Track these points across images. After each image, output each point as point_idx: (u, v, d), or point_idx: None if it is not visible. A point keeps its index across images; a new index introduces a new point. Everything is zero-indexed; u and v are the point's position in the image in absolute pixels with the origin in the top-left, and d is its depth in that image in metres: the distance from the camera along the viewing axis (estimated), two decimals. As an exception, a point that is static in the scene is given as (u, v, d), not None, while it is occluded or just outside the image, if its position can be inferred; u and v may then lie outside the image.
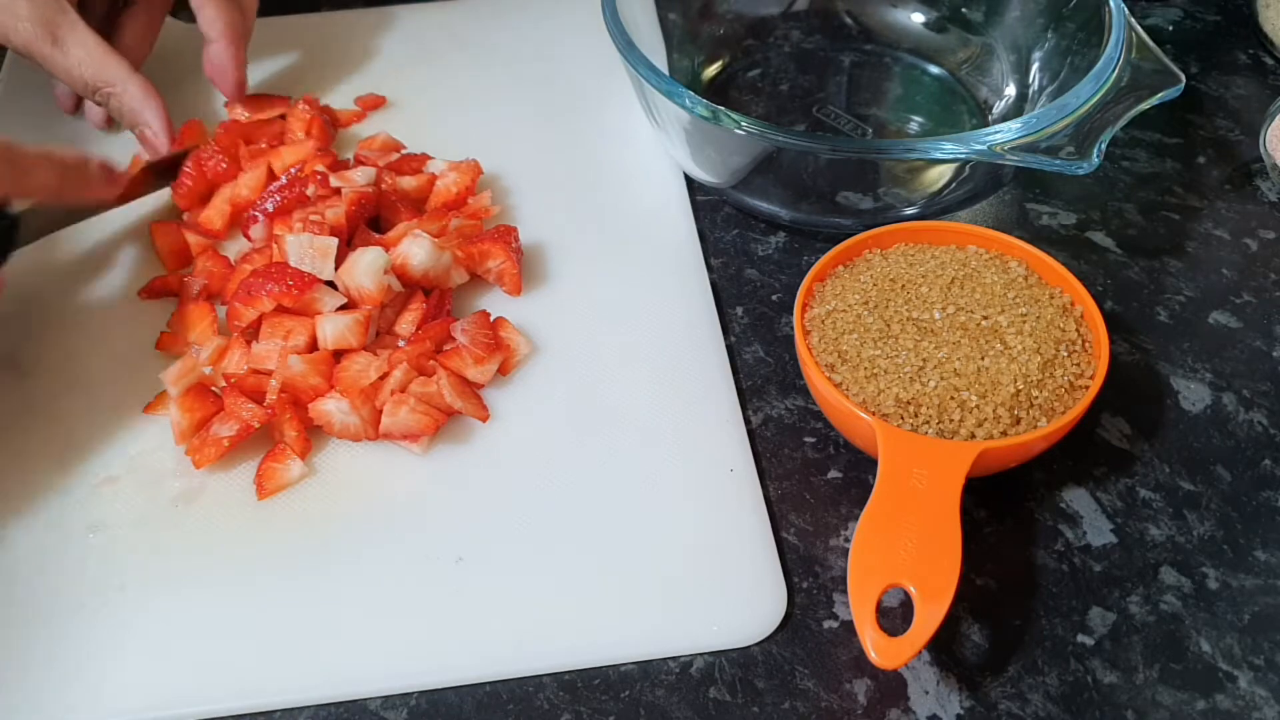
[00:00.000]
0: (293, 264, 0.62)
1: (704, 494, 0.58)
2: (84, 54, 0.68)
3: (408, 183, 0.69)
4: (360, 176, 0.68)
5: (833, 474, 0.59)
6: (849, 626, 0.53)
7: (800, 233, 0.71)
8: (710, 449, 0.59)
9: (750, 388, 0.63)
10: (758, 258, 0.69)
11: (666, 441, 0.60)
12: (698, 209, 0.72)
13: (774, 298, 0.67)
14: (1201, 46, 0.85)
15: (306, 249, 0.62)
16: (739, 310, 0.66)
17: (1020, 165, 0.60)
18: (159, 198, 0.71)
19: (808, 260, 0.62)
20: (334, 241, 0.62)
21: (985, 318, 0.57)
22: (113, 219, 0.70)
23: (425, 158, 0.72)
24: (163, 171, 0.71)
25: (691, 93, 0.62)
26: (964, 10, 0.80)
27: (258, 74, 0.80)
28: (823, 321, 0.59)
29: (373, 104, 0.78)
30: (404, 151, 0.74)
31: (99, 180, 0.65)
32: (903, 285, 0.59)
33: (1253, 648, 0.53)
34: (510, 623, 0.53)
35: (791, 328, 0.59)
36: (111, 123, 0.77)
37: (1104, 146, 0.60)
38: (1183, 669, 0.52)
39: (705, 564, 0.55)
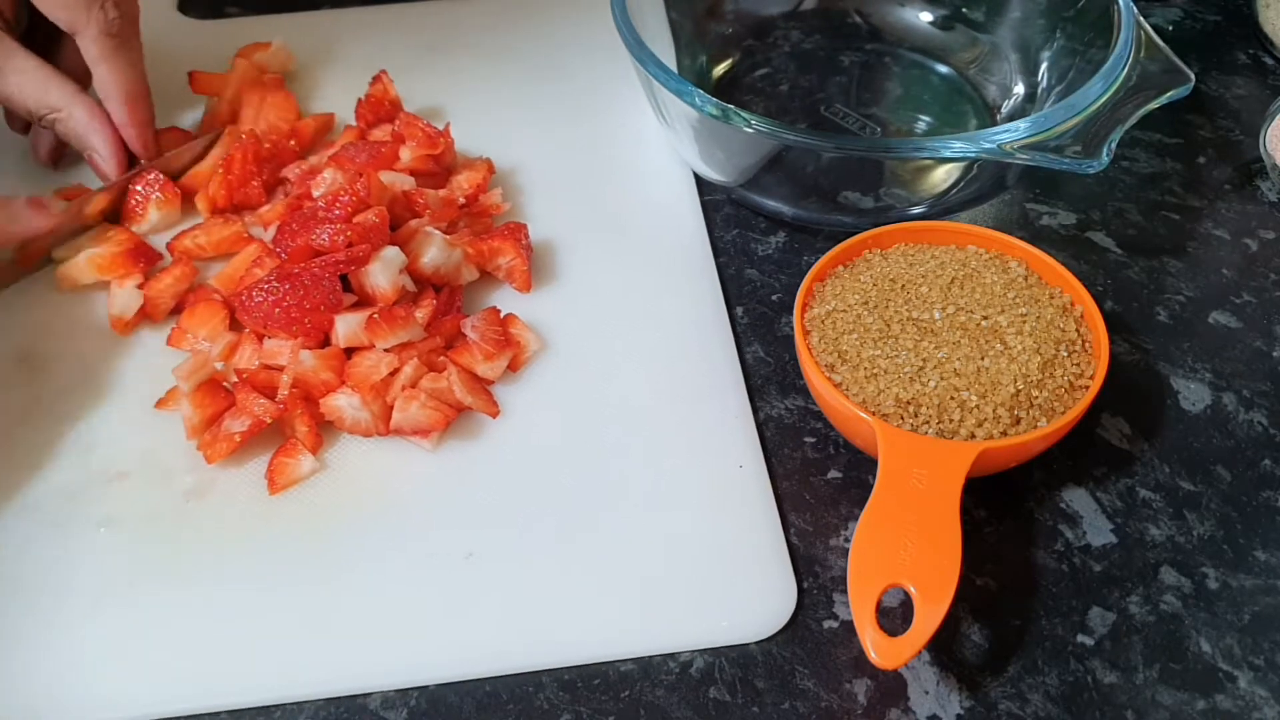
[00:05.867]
0: (371, 280, 0.59)
1: (713, 490, 0.56)
2: (24, 79, 0.63)
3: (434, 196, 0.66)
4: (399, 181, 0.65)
5: (833, 474, 0.57)
6: (849, 626, 0.51)
7: (800, 233, 0.68)
8: (719, 445, 0.57)
9: (750, 388, 0.60)
10: (758, 258, 0.67)
11: (675, 437, 0.58)
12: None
13: (774, 298, 0.65)
14: (1201, 46, 0.82)
15: (390, 268, 0.60)
16: (739, 310, 0.64)
17: (1029, 164, 0.58)
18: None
19: (808, 260, 0.60)
20: (403, 259, 0.61)
21: (985, 318, 0.55)
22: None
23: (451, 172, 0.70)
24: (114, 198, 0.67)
25: (701, 91, 0.60)
26: (972, 9, 0.77)
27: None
28: (823, 321, 0.56)
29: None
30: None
31: (26, 213, 0.61)
32: (903, 285, 0.57)
33: (1253, 648, 0.51)
34: (522, 618, 0.51)
35: (791, 328, 0.57)
36: (56, 155, 0.71)
37: (1114, 146, 0.58)
38: (1183, 669, 0.50)
39: (715, 559, 0.53)
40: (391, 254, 0.60)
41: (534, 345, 0.61)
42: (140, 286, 0.63)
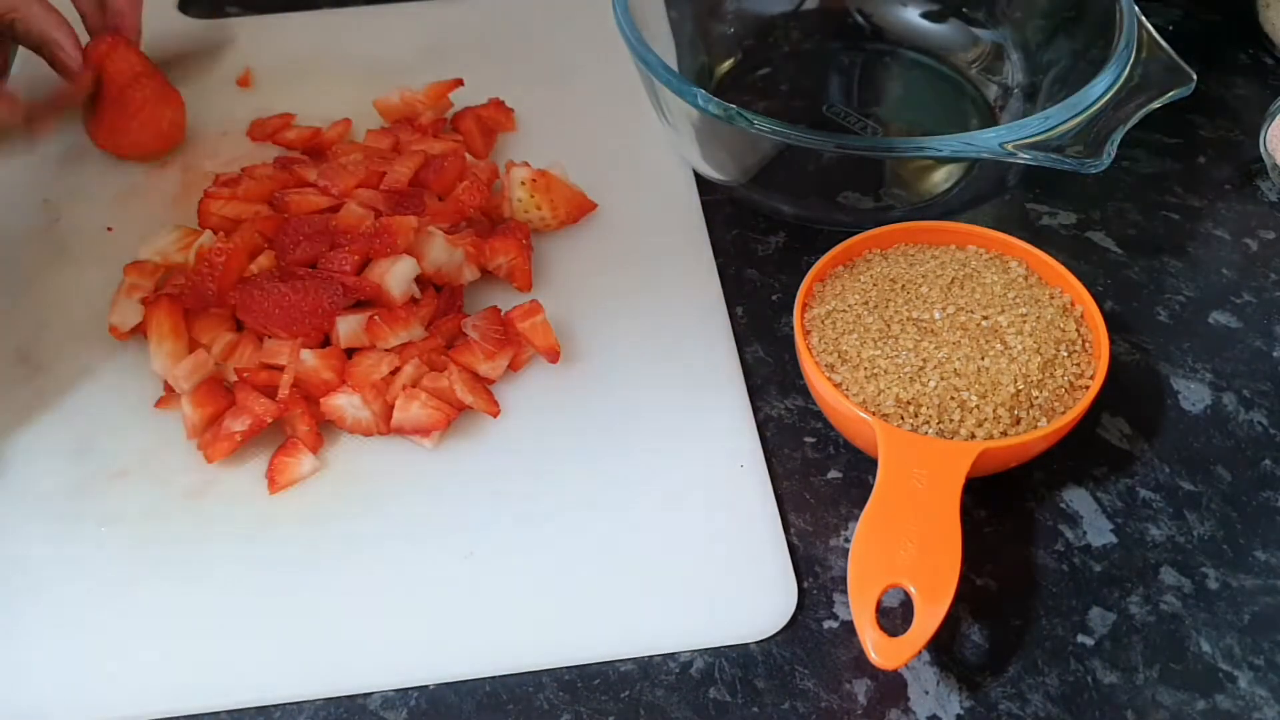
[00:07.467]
0: (384, 288, 0.59)
1: (713, 490, 0.55)
2: None
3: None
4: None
5: (833, 474, 0.56)
6: (849, 626, 0.51)
7: (800, 232, 0.68)
8: (719, 445, 0.57)
9: (750, 388, 0.60)
10: (758, 258, 0.67)
11: (676, 436, 0.57)
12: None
13: (774, 298, 0.64)
14: (1201, 46, 0.81)
15: (404, 280, 0.59)
16: (739, 310, 0.64)
17: (1031, 164, 0.57)
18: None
19: (808, 260, 0.59)
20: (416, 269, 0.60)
21: (985, 318, 0.55)
22: (124, 214, 0.68)
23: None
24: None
25: (704, 91, 0.59)
26: (973, 9, 0.77)
27: (261, 74, 0.78)
28: (823, 321, 0.56)
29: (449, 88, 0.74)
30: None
31: None
32: (903, 285, 0.56)
33: (1253, 648, 0.50)
34: (521, 618, 0.51)
35: (791, 328, 0.56)
36: None
37: (1115, 145, 0.57)
38: (1183, 669, 0.50)
39: (715, 559, 0.53)
40: (407, 265, 0.59)
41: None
42: (144, 301, 0.61)
